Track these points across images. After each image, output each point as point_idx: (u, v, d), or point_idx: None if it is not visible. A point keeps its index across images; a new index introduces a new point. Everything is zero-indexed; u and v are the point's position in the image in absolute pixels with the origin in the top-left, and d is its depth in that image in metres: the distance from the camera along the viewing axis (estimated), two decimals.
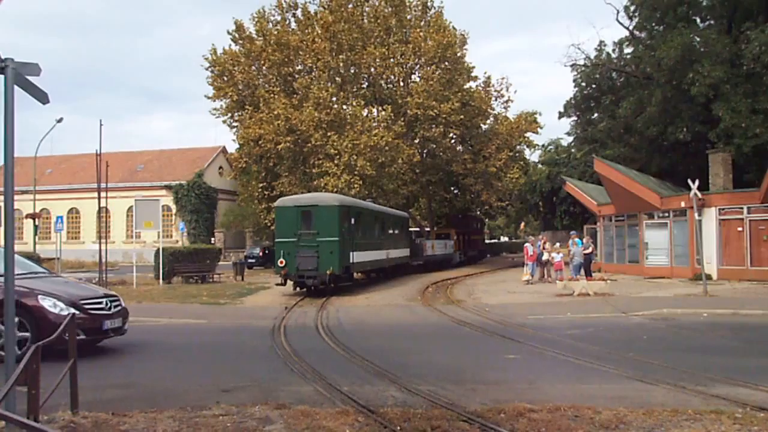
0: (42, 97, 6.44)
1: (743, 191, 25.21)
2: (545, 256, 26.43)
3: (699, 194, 21.41)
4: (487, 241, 70.20)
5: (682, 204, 25.26)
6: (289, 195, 29.86)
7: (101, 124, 25.21)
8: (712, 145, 29.46)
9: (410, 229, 38.42)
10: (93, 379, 8.25)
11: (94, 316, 10.60)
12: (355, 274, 24.89)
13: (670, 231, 26.69)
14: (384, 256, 28.45)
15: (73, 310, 9.71)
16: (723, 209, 24.61)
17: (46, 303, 10.11)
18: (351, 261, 23.09)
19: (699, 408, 6.86)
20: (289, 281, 22.45)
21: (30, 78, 6.11)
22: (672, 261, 26.66)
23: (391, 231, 30.45)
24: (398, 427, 6.35)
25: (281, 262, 21.84)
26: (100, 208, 24.65)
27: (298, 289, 22.78)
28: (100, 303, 10.86)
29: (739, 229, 24.04)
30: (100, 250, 23.13)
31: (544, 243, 27.69)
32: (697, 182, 20.95)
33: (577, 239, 26.18)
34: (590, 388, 8.08)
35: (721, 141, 29.24)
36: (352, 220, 23.45)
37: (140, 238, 45.70)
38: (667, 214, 26.80)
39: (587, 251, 25.82)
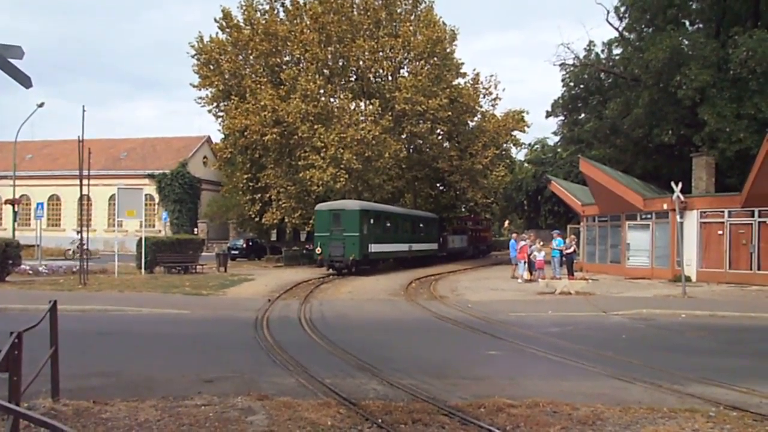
0: (25, 81, 6.30)
1: (725, 195, 25.47)
2: (540, 256, 26.18)
3: (681, 197, 21.57)
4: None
5: (665, 206, 25.47)
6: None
7: (84, 110, 24.82)
8: (697, 148, 29.64)
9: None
10: (74, 367, 8.19)
11: None
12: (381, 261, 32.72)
13: (652, 232, 26.94)
14: (406, 248, 35.04)
15: None
16: (704, 212, 24.88)
17: None
18: (369, 251, 29.77)
19: (674, 406, 6.99)
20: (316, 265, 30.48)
21: (13, 61, 6.03)
22: (653, 262, 26.92)
23: (417, 229, 37.28)
24: (379, 420, 6.40)
25: (318, 251, 29.18)
26: (81, 195, 24.34)
27: (330, 270, 29.01)
28: None
29: (720, 232, 24.34)
30: (81, 237, 22.88)
31: (535, 242, 27.44)
32: (680, 185, 21.08)
33: (558, 238, 26.36)
34: (569, 384, 8.19)
35: (705, 145, 29.42)
36: (371, 221, 30.19)
37: (122, 226, 45.32)
38: (649, 216, 27.03)
39: (569, 251, 25.98)
